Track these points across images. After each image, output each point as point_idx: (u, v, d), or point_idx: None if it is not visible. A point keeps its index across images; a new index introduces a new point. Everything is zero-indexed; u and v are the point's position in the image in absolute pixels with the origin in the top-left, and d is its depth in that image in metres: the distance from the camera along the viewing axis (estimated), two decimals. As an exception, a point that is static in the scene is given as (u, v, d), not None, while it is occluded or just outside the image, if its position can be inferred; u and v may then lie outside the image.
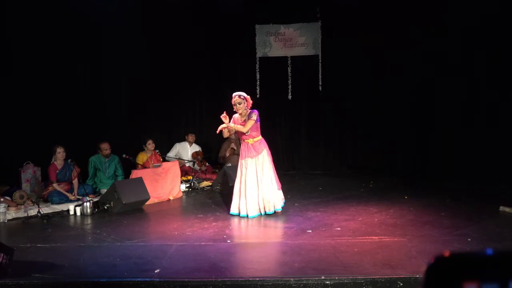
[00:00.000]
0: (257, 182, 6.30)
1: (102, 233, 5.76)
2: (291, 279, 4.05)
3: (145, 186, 7.17)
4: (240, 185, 6.38)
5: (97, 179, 8.12)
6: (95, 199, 7.20)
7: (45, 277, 4.16)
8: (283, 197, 6.58)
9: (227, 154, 9.54)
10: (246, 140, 6.39)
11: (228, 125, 6.35)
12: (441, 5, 8.60)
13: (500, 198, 6.66)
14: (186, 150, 9.43)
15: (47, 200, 7.37)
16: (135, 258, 4.69)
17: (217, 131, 6.51)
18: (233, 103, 6.37)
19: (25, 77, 8.65)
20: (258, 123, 6.36)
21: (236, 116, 6.47)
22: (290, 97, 10.37)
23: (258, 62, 10.30)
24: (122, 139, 9.05)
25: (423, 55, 9.27)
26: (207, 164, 9.46)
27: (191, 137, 9.52)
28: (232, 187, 8.02)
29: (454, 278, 0.84)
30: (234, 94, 6.39)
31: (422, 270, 0.89)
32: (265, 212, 6.33)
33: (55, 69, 8.87)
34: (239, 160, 6.49)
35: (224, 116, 6.35)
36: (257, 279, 4.05)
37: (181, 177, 8.28)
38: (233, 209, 6.42)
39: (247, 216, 6.27)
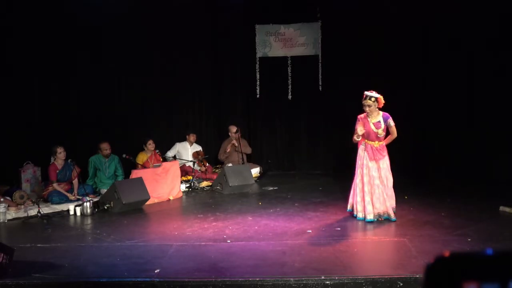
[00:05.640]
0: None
1: (102, 233, 5.76)
2: (291, 279, 4.05)
3: (145, 186, 7.16)
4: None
5: (97, 179, 8.11)
6: (95, 199, 7.19)
7: (45, 277, 4.16)
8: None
9: (228, 150, 9.55)
10: (371, 143, 6.07)
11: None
12: (441, 5, 8.60)
13: (500, 198, 6.66)
14: (187, 150, 9.42)
15: (47, 200, 7.37)
16: (135, 258, 4.69)
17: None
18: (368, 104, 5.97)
19: (25, 77, 8.65)
20: None
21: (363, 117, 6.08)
22: (290, 97, 10.37)
23: (258, 62, 10.29)
24: (122, 139, 9.05)
25: (423, 54, 9.27)
26: (207, 164, 9.45)
27: (192, 137, 9.51)
28: (232, 187, 8.06)
29: (454, 278, 0.84)
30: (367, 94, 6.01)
31: (422, 270, 0.89)
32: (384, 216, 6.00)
33: (55, 68, 8.86)
34: (368, 162, 6.05)
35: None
36: (257, 279, 4.05)
37: (181, 177, 8.28)
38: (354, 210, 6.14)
39: (364, 219, 5.96)
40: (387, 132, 6.16)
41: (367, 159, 6.04)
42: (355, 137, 6.00)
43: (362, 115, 6.11)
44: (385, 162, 6.12)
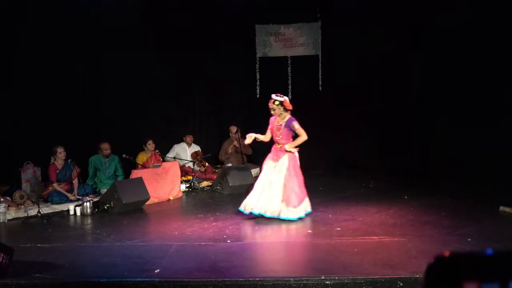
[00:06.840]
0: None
1: (102, 233, 5.76)
2: (291, 279, 4.05)
3: (145, 186, 7.17)
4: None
5: (97, 179, 8.12)
6: (95, 199, 7.19)
7: (45, 277, 4.16)
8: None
9: (229, 151, 9.55)
10: (278, 145, 6.39)
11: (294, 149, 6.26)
12: (441, 6, 8.59)
13: (500, 198, 6.65)
14: (185, 151, 9.41)
15: (47, 200, 7.37)
16: (135, 258, 4.69)
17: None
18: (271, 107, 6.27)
19: (25, 76, 8.64)
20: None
21: (273, 119, 6.43)
22: (290, 97, 10.33)
23: (258, 62, 10.30)
24: (122, 139, 9.05)
25: (423, 55, 9.26)
26: (206, 164, 9.45)
27: (189, 138, 9.50)
28: (232, 187, 8.06)
29: (454, 278, 0.84)
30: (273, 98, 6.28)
31: (422, 270, 0.89)
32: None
33: (55, 68, 8.85)
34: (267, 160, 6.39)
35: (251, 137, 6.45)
36: (257, 279, 4.05)
37: (181, 177, 8.28)
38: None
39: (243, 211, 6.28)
40: (295, 136, 6.32)
41: (268, 157, 6.40)
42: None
43: (273, 117, 6.42)
44: (282, 165, 6.21)
